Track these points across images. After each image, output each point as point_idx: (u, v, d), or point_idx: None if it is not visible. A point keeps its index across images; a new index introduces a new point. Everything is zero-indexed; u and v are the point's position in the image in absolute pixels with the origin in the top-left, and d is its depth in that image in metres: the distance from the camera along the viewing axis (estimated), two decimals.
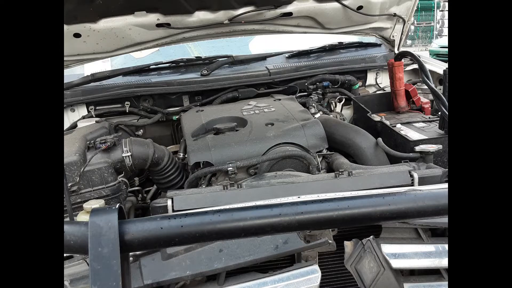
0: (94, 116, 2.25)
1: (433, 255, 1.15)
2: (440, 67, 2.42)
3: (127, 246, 0.68)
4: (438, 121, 1.85)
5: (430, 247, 1.17)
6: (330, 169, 1.74)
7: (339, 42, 2.77)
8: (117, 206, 0.69)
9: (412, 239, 1.22)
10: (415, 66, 2.49)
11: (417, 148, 1.60)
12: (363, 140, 1.77)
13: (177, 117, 2.26)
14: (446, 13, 16.25)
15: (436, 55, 11.09)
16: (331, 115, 2.18)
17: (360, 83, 2.53)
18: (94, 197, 1.52)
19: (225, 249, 1.09)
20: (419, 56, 2.08)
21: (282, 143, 1.67)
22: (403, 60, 2.14)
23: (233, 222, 0.71)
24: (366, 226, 1.19)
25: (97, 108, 2.28)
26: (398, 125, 1.90)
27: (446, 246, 1.16)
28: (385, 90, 2.52)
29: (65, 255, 1.02)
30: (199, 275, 1.10)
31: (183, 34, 2.22)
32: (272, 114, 1.93)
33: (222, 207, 0.79)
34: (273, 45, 2.91)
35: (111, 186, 1.56)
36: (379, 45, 2.73)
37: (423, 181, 1.37)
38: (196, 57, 2.62)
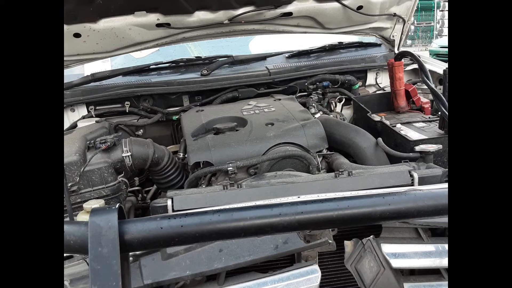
0: (94, 116, 2.25)
1: (433, 255, 1.15)
2: (440, 67, 2.41)
3: (127, 246, 0.68)
4: (438, 121, 1.85)
5: (430, 247, 1.17)
6: (330, 169, 1.74)
7: (339, 42, 2.77)
8: (117, 206, 0.69)
9: (412, 239, 1.22)
10: (415, 66, 2.48)
11: (417, 148, 1.60)
12: (363, 140, 1.76)
13: (177, 117, 2.26)
14: (446, 13, 16.24)
15: (436, 55, 11.09)
16: (331, 115, 2.17)
17: (360, 83, 2.52)
18: (94, 197, 1.52)
19: (225, 249, 1.09)
20: (419, 56, 2.08)
21: (282, 143, 1.67)
22: (403, 60, 2.14)
23: (233, 222, 0.71)
24: (366, 226, 1.19)
25: (97, 108, 2.28)
26: (398, 125, 1.90)
27: (446, 246, 1.16)
28: (385, 90, 2.52)
29: (65, 255, 1.02)
30: (199, 275, 1.10)
31: (183, 34, 2.22)
32: (272, 114, 1.93)
33: (222, 207, 0.79)
34: (273, 45, 2.91)
35: (111, 186, 1.56)
36: (379, 45, 2.73)
37: (423, 181, 1.37)
38: (196, 57, 2.62)
